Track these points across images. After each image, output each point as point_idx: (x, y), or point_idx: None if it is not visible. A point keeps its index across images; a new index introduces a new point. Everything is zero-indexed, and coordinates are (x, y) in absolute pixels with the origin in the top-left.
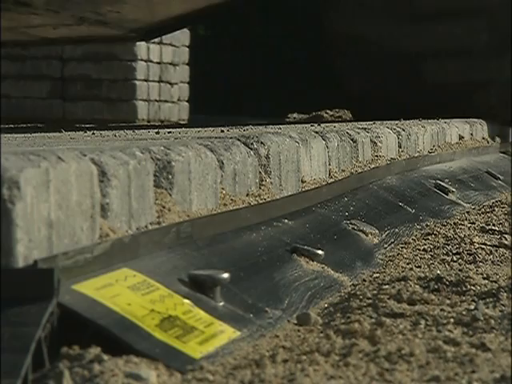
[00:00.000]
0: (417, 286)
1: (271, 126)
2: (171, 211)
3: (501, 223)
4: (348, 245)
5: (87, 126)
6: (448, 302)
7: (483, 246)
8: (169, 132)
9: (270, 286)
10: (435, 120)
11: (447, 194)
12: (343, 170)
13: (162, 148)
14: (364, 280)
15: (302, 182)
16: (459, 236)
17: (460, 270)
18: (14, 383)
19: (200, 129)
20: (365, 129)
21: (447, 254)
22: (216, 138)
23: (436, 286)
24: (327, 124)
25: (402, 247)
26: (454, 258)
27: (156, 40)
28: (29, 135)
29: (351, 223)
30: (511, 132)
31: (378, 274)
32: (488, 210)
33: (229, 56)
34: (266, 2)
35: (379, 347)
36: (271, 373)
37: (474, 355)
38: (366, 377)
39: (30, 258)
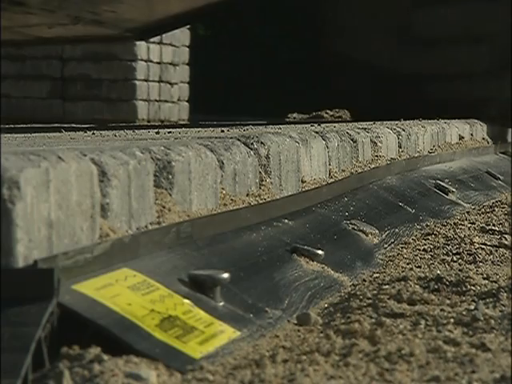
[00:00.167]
0: (417, 286)
1: (271, 126)
2: (171, 211)
3: (501, 223)
4: (348, 245)
5: (87, 126)
6: (448, 302)
7: (483, 246)
8: (169, 132)
9: (270, 286)
10: (435, 120)
11: (447, 194)
12: (343, 170)
13: (162, 148)
14: (364, 280)
15: (302, 182)
16: (459, 236)
17: (460, 270)
18: (14, 383)
19: (200, 129)
20: (365, 129)
21: (447, 254)
22: (216, 138)
23: (436, 286)
24: (327, 124)
25: (402, 247)
26: (454, 258)
27: (156, 40)
28: (29, 135)
29: (351, 223)
30: (511, 132)
31: (378, 274)
32: (488, 210)
33: (229, 56)
34: (265, 1)
35: (379, 347)
36: (271, 373)
37: (473, 355)
38: (366, 377)
39: (30, 258)
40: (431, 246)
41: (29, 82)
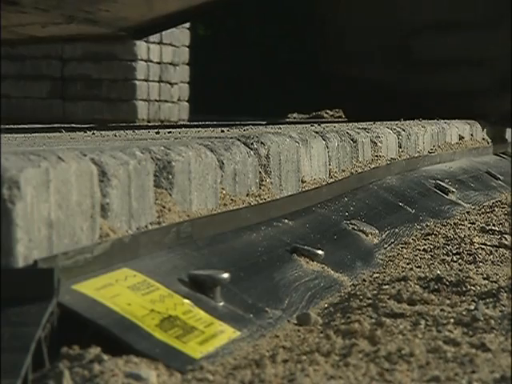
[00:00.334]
0: (417, 286)
1: (271, 126)
2: (171, 211)
3: (501, 223)
4: (348, 245)
5: (87, 126)
6: (448, 302)
7: (483, 246)
8: (169, 132)
9: (270, 286)
10: (435, 120)
11: (447, 194)
12: (343, 170)
13: (162, 148)
14: (364, 280)
15: (302, 182)
16: (459, 236)
17: (460, 270)
18: (14, 383)
19: (200, 129)
20: (365, 129)
21: (447, 254)
22: (216, 137)
23: (436, 286)
24: (327, 124)
25: (402, 247)
26: (454, 258)
27: (156, 40)
28: (29, 135)
29: (351, 223)
30: (510, 132)
31: (378, 274)
32: (488, 210)
33: (229, 56)
34: (265, 1)
35: (379, 347)
36: (271, 373)
37: (474, 355)
38: (366, 377)
39: (30, 257)
40: (431, 246)
41: (29, 82)
